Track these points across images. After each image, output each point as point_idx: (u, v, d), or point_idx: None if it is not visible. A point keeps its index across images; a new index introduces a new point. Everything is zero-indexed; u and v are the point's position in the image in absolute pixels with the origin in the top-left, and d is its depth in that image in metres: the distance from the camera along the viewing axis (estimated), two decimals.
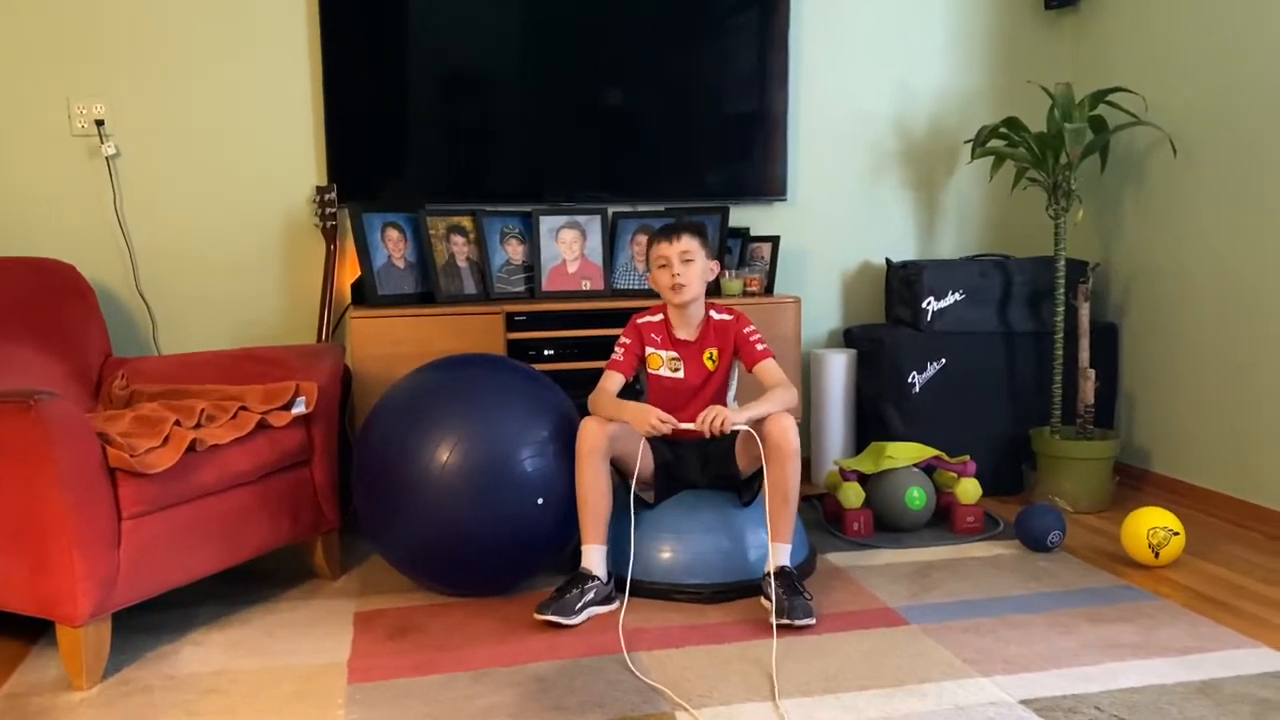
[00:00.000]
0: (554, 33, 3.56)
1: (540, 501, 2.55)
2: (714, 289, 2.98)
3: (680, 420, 2.59)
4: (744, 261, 3.69)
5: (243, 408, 2.59)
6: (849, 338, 3.87)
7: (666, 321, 2.79)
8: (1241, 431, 3.28)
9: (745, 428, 2.56)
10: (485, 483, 2.49)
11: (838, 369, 3.69)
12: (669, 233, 2.72)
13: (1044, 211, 3.61)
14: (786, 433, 2.53)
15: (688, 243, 2.69)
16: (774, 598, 2.46)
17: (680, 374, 2.76)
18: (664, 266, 2.71)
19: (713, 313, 2.78)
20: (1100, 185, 3.81)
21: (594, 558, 2.58)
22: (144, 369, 2.95)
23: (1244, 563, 2.91)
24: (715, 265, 2.79)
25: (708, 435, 2.54)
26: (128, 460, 2.20)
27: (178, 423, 2.40)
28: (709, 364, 2.76)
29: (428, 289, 3.39)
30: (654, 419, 2.52)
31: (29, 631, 2.50)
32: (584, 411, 2.67)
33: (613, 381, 2.73)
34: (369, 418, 2.70)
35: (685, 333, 2.77)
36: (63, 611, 2.16)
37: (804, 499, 2.92)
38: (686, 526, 2.69)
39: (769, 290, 3.65)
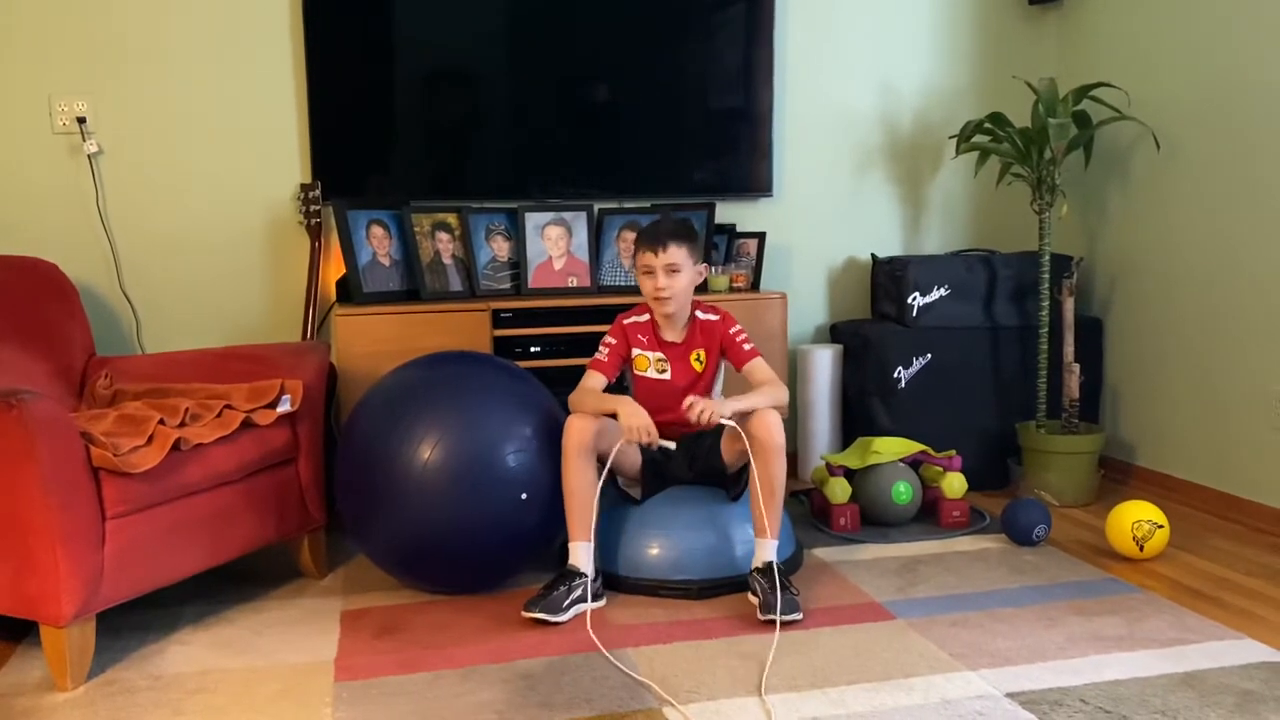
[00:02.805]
0: (539, 29, 3.55)
1: (524, 497, 2.54)
2: (700, 286, 2.99)
3: (667, 419, 2.60)
4: (730, 258, 3.69)
5: (227, 406, 2.58)
6: (835, 333, 3.88)
7: (653, 322, 2.77)
8: (1225, 425, 3.30)
9: (731, 424, 2.56)
10: (467, 480, 2.48)
11: (824, 364, 3.69)
12: (655, 240, 2.64)
13: (1029, 206, 3.62)
14: (771, 428, 2.53)
15: (674, 253, 2.62)
16: (761, 593, 2.47)
17: (667, 375, 2.76)
18: (648, 274, 2.66)
19: (699, 313, 2.76)
20: (1084, 180, 3.83)
21: (581, 554, 2.57)
22: (128, 368, 2.93)
23: (1227, 555, 2.93)
24: (704, 269, 2.75)
25: (693, 422, 2.54)
26: (112, 460, 2.19)
27: (162, 422, 2.39)
28: (696, 365, 2.75)
29: (413, 286, 3.38)
30: (645, 433, 2.52)
31: (13, 632, 2.49)
32: (568, 409, 2.67)
33: (595, 380, 2.70)
34: (351, 416, 2.69)
35: (672, 334, 2.76)
36: (47, 612, 2.15)
37: (791, 494, 2.94)
38: (673, 523, 2.69)
39: (755, 286, 3.65)
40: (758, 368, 2.70)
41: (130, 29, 3.29)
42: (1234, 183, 3.23)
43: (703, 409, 2.51)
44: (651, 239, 2.66)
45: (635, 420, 2.53)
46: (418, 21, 3.44)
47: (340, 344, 3.17)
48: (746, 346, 2.73)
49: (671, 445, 2.59)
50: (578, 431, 2.56)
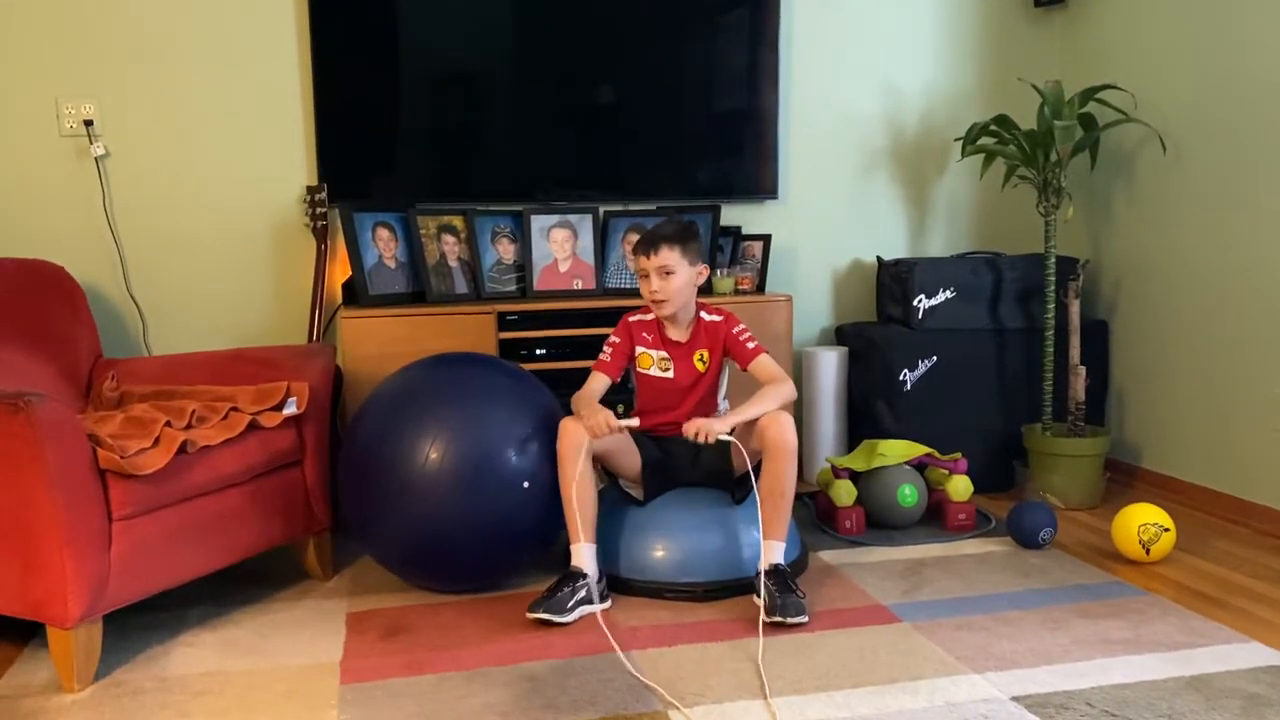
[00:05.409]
0: (545, 31, 3.56)
1: (526, 485, 2.55)
2: (706, 288, 3.00)
3: (669, 419, 2.60)
4: (735, 260, 3.69)
5: (234, 408, 2.59)
6: (840, 336, 3.88)
7: (658, 321, 2.78)
8: (1231, 427, 3.29)
9: (730, 439, 2.56)
10: (470, 477, 2.49)
11: (829, 367, 3.69)
12: (647, 245, 2.67)
13: (1034, 209, 3.62)
14: (785, 430, 2.53)
15: (666, 256, 2.64)
16: (766, 595, 2.47)
17: (670, 374, 2.76)
18: (644, 278, 2.69)
19: (703, 314, 2.77)
20: (1090, 182, 3.83)
21: (584, 556, 2.57)
22: (134, 370, 2.94)
23: (1234, 558, 2.92)
24: (704, 270, 2.74)
25: (690, 440, 2.55)
26: (118, 462, 2.19)
27: (168, 424, 2.40)
28: (699, 365, 2.76)
29: (419, 288, 3.39)
30: (604, 426, 2.51)
31: (20, 633, 2.50)
32: (570, 410, 2.67)
33: (598, 382, 2.72)
34: (354, 418, 2.70)
35: (676, 333, 2.77)
36: (53, 614, 2.15)
37: (796, 497, 2.93)
38: (678, 525, 2.69)
39: (761, 289, 3.65)
40: (763, 365, 2.70)
41: (138, 32, 3.30)
42: (1240, 185, 3.22)
43: (699, 429, 2.52)
44: (644, 243, 2.69)
45: (592, 420, 2.54)
46: (423, 24, 3.44)
47: (346, 346, 3.18)
48: (750, 345, 2.73)
49: (634, 422, 2.60)
50: (570, 433, 2.56)
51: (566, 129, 3.61)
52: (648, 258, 2.66)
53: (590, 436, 2.54)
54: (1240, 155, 3.22)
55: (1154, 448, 3.63)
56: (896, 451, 3.25)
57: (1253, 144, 3.17)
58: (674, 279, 2.66)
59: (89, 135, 3.27)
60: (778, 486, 2.54)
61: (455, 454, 2.50)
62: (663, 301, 2.67)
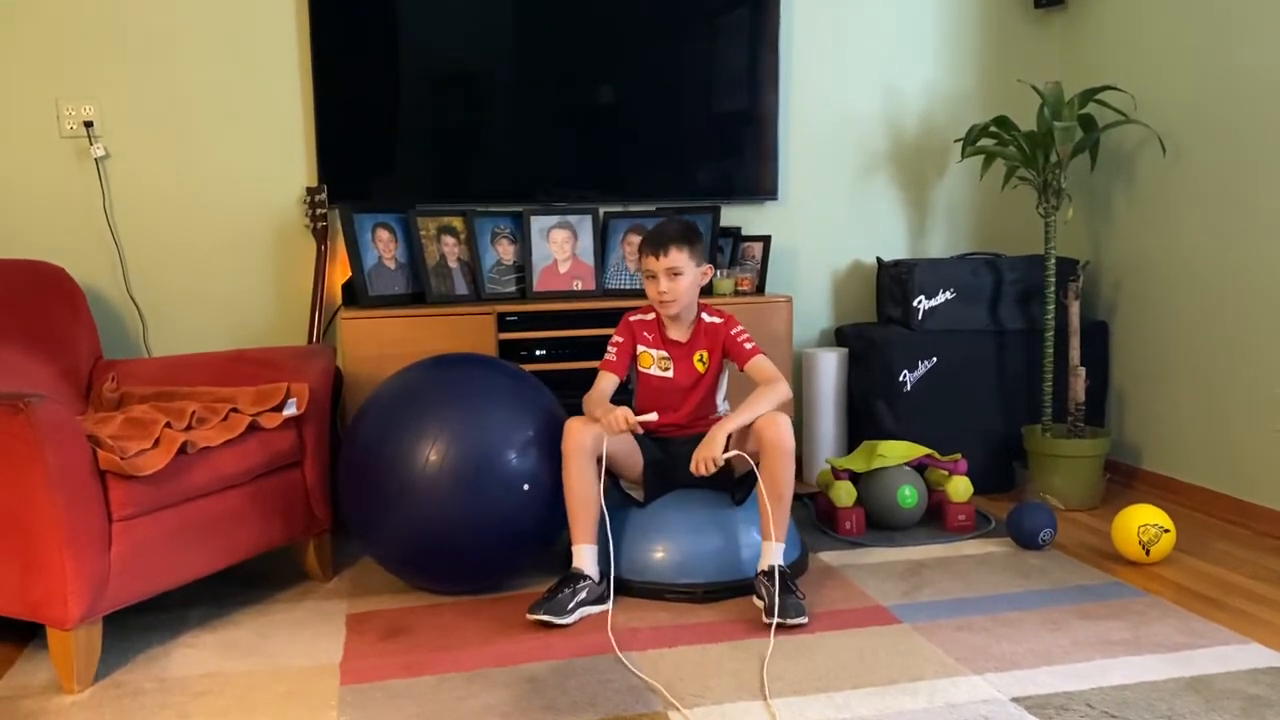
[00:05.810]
0: (545, 32, 3.56)
1: (526, 488, 2.55)
2: (705, 288, 3.00)
3: (668, 420, 2.60)
4: (735, 261, 3.69)
5: (234, 409, 2.59)
6: (840, 337, 3.88)
7: (659, 320, 2.79)
8: (1231, 428, 3.29)
9: (734, 453, 2.57)
10: (470, 478, 2.49)
11: (829, 368, 3.69)
12: (656, 245, 2.66)
13: (1034, 210, 3.62)
14: (781, 431, 2.54)
15: (675, 257, 2.65)
16: (766, 597, 2.47)
17: (670, 374, 2.77)
18: (651, 279, 2.69)
19: (704, 315, 2.78)
20: (1090, 183, 3.83)
21: (585, 557, 2.58)
22: (134, 371, 2.94)
23: (1234, 559, 2.92)
24: (708, 270, 2.76)
25: (704, 473, 2.56)
26: (118, 463, 2.19)
27: (168, 425, 2.40)
28: (699, 366, 2.76)
29: (419, 289, 3.39)
30: (623, 421, 2.52)
31: (20, 634, 2.50)
32: (573, 411, 2.68)
33: (607, 382, 2.73)
34: (354, 419, 2.71)
35: (677, 334, 2.78)
36: (53, 615, 2.15)
37: (796, 498, 2.94)
38: (678, 526, 2.69)
39: (760, 290, 3.65)
40: (759, 365, 2.71)
41: (138, 33, 3.30)
42: (1240, 186, 3.22)
43: (703, 462, 2.53)
44: (653, 243, 2.68)
45: (609, 416, 2.55)
46: (423, 25, 3.44)
47: (346, 347, 3.18)
48: (748, 346, 2.74)
49: (653, 416, 2.61)
50: (575, 434, 2.57)
51: (566, 129, 3.61)
52: (656, 259, 2.66)
53: (609, 433, 2.55)
54: (1240, 155, 3.22)
55: (1154, 448, 3.63)
56: (896, 452, 3.25)
57: (1253, 144, 3.17)
58: (682, 280, 2.67)
59: (89, 136, 3.27)
60: (776, 488, 2.54)
61: (455, 455, 2.50)
62: (670, 302, 2.68)
